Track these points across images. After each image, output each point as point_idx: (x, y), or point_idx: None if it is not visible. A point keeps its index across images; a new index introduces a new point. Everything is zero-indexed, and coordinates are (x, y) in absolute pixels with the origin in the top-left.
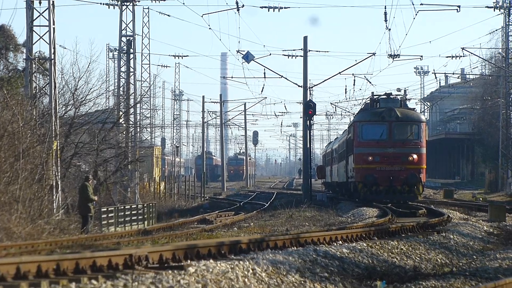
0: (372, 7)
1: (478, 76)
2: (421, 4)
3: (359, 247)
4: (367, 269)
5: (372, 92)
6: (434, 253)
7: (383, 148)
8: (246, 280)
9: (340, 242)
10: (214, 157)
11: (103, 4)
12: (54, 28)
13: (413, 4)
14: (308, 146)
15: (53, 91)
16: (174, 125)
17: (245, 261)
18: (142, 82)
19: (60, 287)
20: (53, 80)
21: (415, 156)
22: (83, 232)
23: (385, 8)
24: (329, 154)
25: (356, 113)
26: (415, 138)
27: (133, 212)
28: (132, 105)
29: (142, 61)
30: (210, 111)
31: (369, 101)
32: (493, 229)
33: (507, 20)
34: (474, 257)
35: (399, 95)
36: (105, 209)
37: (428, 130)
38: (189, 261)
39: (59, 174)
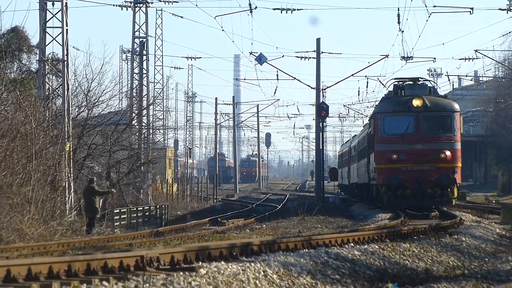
0: (385, 9)
1: (492, 78)
2: (434, 6)
3: (371, 250)
4: (378, 272)
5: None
6: (446, 256)
7: (409, 144)
8: (257, 282)
9: (352, 244)
10: (226, 159)
11: (116, 5)
12: (67, 29)
13: (426, 6)
14: (321, 148)
15: (66, 93)
16: (187, 126)
17: (256, 263)
18: (155, 83)
19: None
20: (66, 81)
21: (448, 153)
22: (89, 234)
23: (398, 10)
24: (346, 153)
25: (378, 103)
26: (447, 131)
27: (145, 214)
28: (145, 106)
29: (155, 62)
30: (223, 113)
31: (392, 89)
32: (505, 231)
33: None
34: (486, 259)
35: (428, 80)
36: (118, 211)
37: (462, 122)
38: (200, 262)
39: (71, 175)
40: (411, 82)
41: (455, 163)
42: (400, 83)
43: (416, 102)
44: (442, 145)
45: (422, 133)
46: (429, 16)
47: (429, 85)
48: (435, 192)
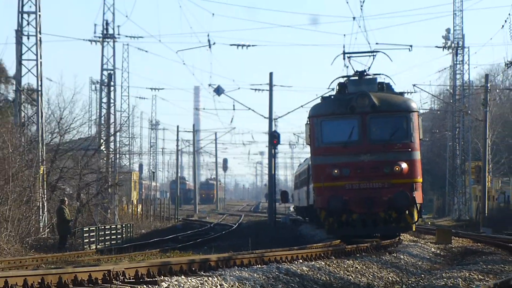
0: (332, 45)
1: (428, 110)
2: (376, 43)
3: (318, 265)
4: (324, 286)
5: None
6: (386, 272)
7: (354, 155)
8: None
9: (301, 260)
10: (187, 182)
11: (86, 40)
12: (41, 62)
13: (369, 43)
14: (273, 173)
15: (40, 120)
16: (151, 152)
17: (213, 277)
18: (122, 112)
19: None
20: (40, 110)
21: (404, 165)
22: (61, 250)
23: (344, 48)
24: (305, 172)
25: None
26: (403, 136)
27: (112, 232)
28: (112, 133)
29: (121, 93)
30: (184, 140)
31: (338, 87)
32: (440, 250)
33: (455, 59)
34: (422, 276)
35: (378, 74)
36: (87, 229)
37: (422, 125)
38: (162, 277)
39: (45, 196)
40: (356, 77)
41: (414, 178)
42: (345, 79)
43: (362, 101)
44: (397, 155)
45: (371, 140)
46: (377, 74)
47: (379, 79)
48: (389, 216)
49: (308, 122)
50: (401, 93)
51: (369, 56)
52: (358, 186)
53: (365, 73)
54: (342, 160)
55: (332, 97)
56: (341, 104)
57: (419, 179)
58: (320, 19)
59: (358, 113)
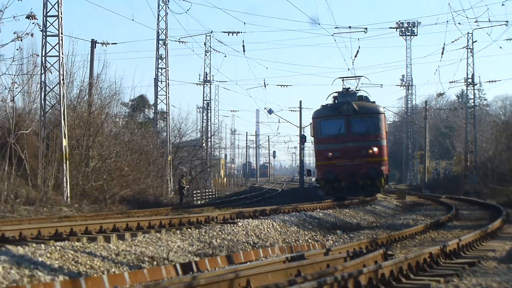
0: (332, 84)
1: (392, 122)
2: (362, 83)
3: (328, 212)
4: (332, 224)
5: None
6: (368, 216)
7: (342, 143)
8: (268, 229)
9: (318, 209)
10: (252, 164)
11: (194, 83)
12: (168, 96)
13: (357, 84)
14: (302, 159)
15: (168, 129)
16: (231, 147)
17: (268, 220)
18: (214, 124)
19: (171, 232)
20: (168, 123)
21: (375, 149)
22: (180, 205)
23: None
24: None
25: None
26: (374, 130)
27: (210, 193)
28: (209, 137)
29: (214, 113)
30: (250, 140)
31: (332, 99)
32: (399, 203)
33: (407, 92)
34: (389, 218)
35: (359, 90)
36: (195, 192)
37: (386, 122)
38: (239, 219)
39: (171, 173)
40: (343, 91)
41: (382, 157)
42: (337, 93)
43: (346, 107)
44: (370, 143)
45: (353, 133)
46: (358, 85)
47: (360, 93)
48: (365, 183)
49: (312, 122)
50: (373, 102)
51: (356, 79)
52: (345, 163)
53: (350, 89)
54: (334, 146)
55: (328, 105)
56: (333, 109)
57: (386, 158)
58: (326, 70)
59: (344, 115)
